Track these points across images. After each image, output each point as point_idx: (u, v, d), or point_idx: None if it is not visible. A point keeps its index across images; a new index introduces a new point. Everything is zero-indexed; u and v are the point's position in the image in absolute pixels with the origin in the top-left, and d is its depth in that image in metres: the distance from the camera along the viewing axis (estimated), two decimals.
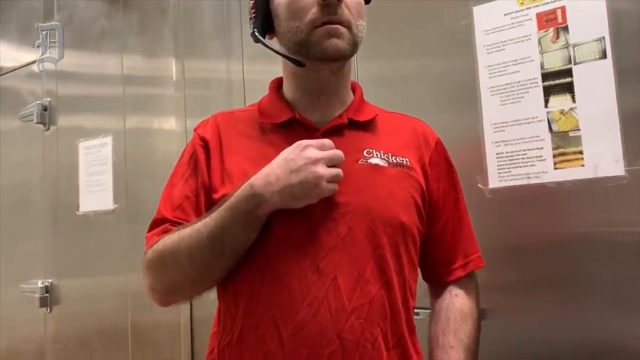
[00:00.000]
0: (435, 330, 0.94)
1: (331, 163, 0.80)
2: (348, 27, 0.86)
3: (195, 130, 0.96)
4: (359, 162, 0.88)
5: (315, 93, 0.91)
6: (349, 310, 0.81)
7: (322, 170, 0.78)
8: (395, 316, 0.85)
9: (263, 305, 0.82)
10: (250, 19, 0.93)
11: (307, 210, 0.82)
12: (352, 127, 0.91)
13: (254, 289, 0.83)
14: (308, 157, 0.78)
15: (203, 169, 0.90)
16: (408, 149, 0.93)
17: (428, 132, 0.98)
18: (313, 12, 0.84)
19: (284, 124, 0.90)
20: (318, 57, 0.86)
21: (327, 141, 0.82)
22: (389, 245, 0.85)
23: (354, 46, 0.87)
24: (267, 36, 0.93)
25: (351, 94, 0.96)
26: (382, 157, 0.89)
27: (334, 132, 0.89)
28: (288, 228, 0.82)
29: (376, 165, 0.88)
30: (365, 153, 0.89)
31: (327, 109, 0.92)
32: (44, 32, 2.19)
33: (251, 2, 0.93)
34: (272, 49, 0.90)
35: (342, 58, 0.88)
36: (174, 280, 0.87)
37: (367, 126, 0.92)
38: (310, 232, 0.82)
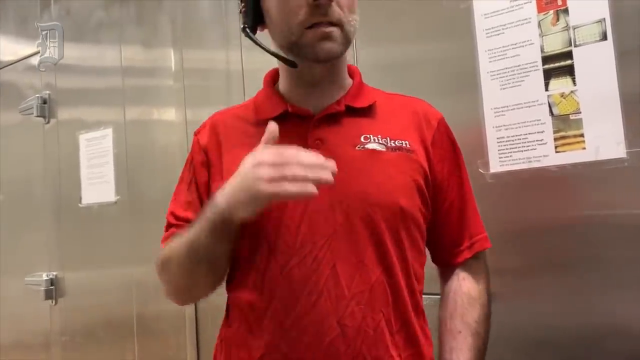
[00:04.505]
0: (443, 314, 0.94)
1: (281, 161, 0.73)
2: (340, 25, 0.84)
3: (195, 134, 0.98)
4: (356, 147, 0.87)
5: (309, 86, 0.90)
6: (349, 297, 0.81)
7: (262, 171, 0.73)
8: (399, 301, 0.85)
9: (266, 296, 0.83)
10: (240, 12, 0.91)
11: (304, 199, 0.81)
12: (349, 114, 0.89)
13: (257, 280, 0.84)
14: (253, 161, 0.76)
15: (201, 175, 0.92)
16: (408, 131, 0.91)
17: (430, 112, 0.96)
18: (303, 12, 0.82)
19: (278, 117, 0.88)
20: (310, 59, 0.85)
21: (287, 150, 0.75)
22: (389, 230, 0.84)
23: (347, 44, 0.86)
24: (259, 28, 0.91)
25: (349, 79, 0.95)
26: (380, 142, 0.88)
27: (329, 118, 0.88)
28: (285, 219, 0.83)
29: (373, 150, 0.87)
30: (362, 139, 0.87)
31: (324, 98, 0.90)
32: (44, 32, 2.18)
33: None
34: (264, 48, 0.88)
35: (334, 59, 0.87)
36: (174, 286, 0.92)
37: (364, 112, 0.91)
38: (307, 220, 0.82)
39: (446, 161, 0.94)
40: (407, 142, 0.89)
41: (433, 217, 0.93)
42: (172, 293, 0.93)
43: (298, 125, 0.87)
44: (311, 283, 0.81)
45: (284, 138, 0.84)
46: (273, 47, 0.89)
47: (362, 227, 0.83)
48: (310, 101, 0.90)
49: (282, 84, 0.94)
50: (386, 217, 0.84)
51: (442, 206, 0.94)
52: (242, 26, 0.90)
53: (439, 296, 0.99)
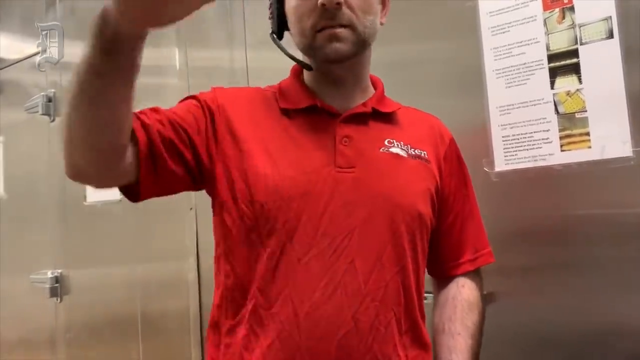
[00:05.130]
0: (442, 318, 0.95)
1: None
2: (351, 27, 0.85)
3: (213, 88, 0.94)
4: (381, 150, 0.89)
5: (334, 85, 0.92)
6: (365, 293, 0.82)
7: None
8: (409, 302, 0.87)
9: (279, 283, 0.82)
10: (269, 18, 0.94)
11: (328, 192, 0.83)
12: (374, 117, 0.92)
13: (271, 266, 0.83)
14: None
15: (209, 124, 0.88)
16: (425, 143, 0.94)
17: (443, 130, 1.00)
18: (313, 16, 0.84)
19: (305, 109, 0.90)
20: (322, 60, 0.88)
21: None
22: (407, 233, 0.86)
23: (360, 44, 0.87)
24: (286, 31, 0.94)
25: (372, 87, 0.97)
26: (402, 147, 0.90)
27: (356, 118, 0.90)
28: (307, 209, 0.83)
29: (397, 154, 0.89)
30: (386, 142, 0.90)
31: (349, 98, 0.92)
32: (44, 32, 2.18)
33: (269, 2, 0.94)
34: (285, 53, 0.91)
35: (346, 60, 0.88)
36: (63, 142, 0.75)
37: (388, 118, 0.94)
38: (330, 213, 0.83)
39: (454, 176, 0.97)
40: (425, 152, 0.93)
41: (436, 228, 0.95)
42: (65, 156, 0.76)
43: (326, 121, 0.89)
44: (328, 275, 0.81)
45: (312, 131, 0.88)
46: (295, 50, 0.92)
47: (383, 227, 0.84)
48: (336, 100, 0.91)
49: (309, 79, 0.95)
50: (406, 221, 0.86)
51: (447, 219, 0.96)
52: (270, 32, 0.93)
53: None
